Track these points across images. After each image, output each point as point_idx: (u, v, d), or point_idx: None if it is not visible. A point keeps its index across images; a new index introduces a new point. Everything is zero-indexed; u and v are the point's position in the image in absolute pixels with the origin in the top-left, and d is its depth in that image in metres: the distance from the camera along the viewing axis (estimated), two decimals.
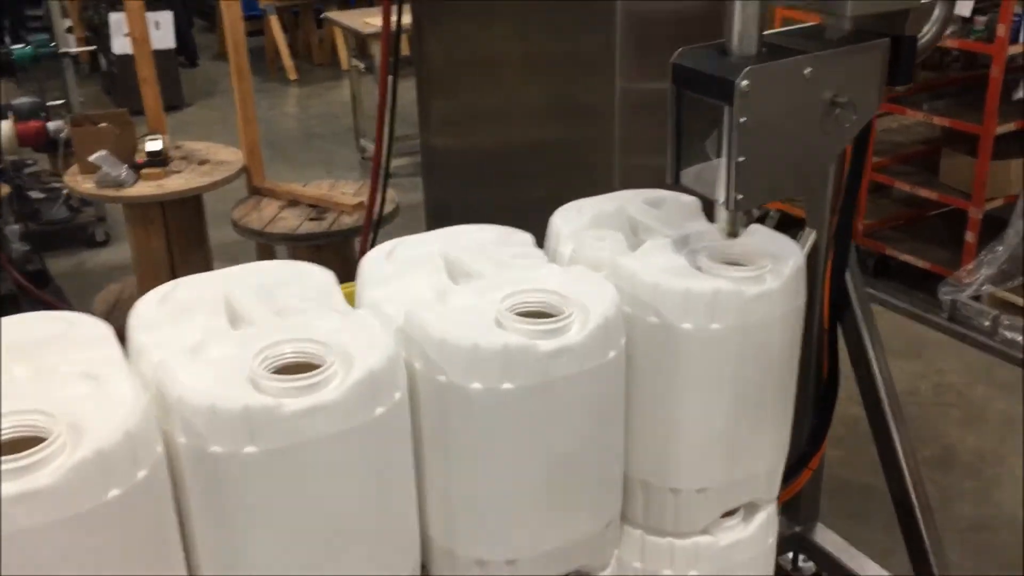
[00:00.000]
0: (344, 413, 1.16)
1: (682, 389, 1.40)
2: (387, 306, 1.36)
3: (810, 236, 2.49)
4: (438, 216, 3.51)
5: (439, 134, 3.37)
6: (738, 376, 1.40)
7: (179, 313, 1.33)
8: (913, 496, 2.32)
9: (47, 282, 4.93)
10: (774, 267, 1.41)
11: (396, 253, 1.48)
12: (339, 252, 4.46)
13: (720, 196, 1.35)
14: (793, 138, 1.34)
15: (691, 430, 1.43)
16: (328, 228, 4.26)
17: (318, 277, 1.43)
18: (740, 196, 1.33)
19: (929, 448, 3.62)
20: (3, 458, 1.01)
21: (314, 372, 1.16)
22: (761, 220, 5.38)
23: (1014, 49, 3.93)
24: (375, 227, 3.99)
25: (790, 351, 1.47)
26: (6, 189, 5.14)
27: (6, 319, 1.31)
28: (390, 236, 4.87)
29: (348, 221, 4.32)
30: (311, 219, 4.37)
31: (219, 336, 1.26)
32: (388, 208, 4.03)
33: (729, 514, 1.53)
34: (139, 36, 4.59)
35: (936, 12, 1.48)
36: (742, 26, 1.32)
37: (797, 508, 2.43)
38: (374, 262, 1.46)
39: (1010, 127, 4.04)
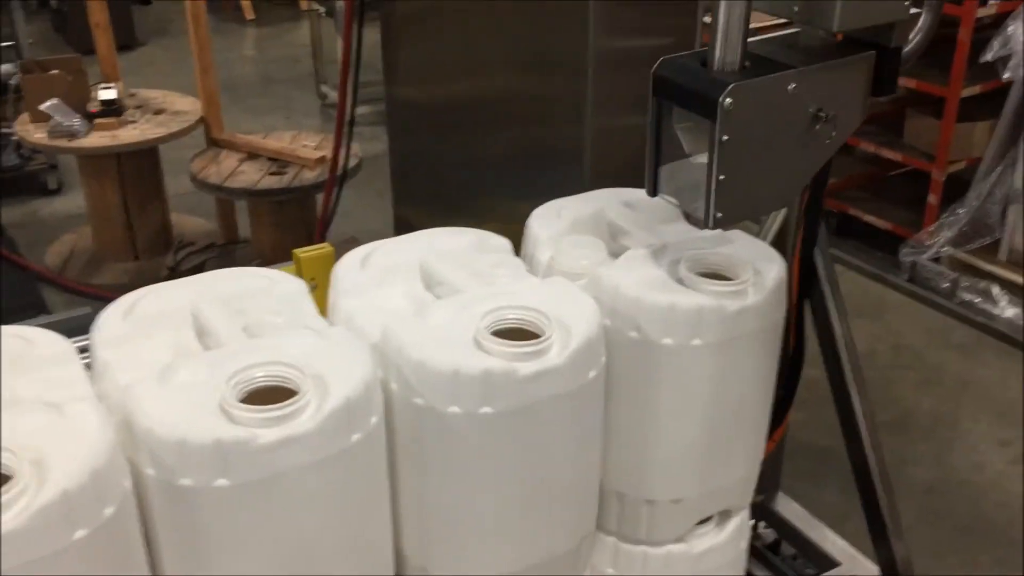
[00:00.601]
0: (319, 442, 1.13)
1: (660, 403, 1.39)
2: (362, 318, 1.33)
3: (780, 213, 2.49)
4: (403, 169, 3.44)
5: (404, 85, 3.29)
6: (717, 390, 1.39)
7: (145, 328, 1.28)
8: (872, 462, 2.36)
9: None
10: (756, 280, 1.39)
11: (371, 260, 1.43)
12: (301, 207, 4.38)
13: (699, 212, 1.32)
14: (774, 154, 1.31)
15: (667, 443, 1.42)
16: (289, 183, 4.18)
17: (288, 286, 1.39)
18: (720, 214, 1.29)
19: (887, 411, 3.68)
20: None
21: (288, 402, 1.12)
22: None
23: (983, 12, 3.91)
24: (339, 183, 3.92)
25: (770, 362, 1.46)
26: None
27: None
28: (353, 191, 4.78)
29: (310, 176, 4.24)
30: (272, 173, 4.27)
31: (187, 357, 1.21)
32: (351, 163, 3.95)
33: (703, 521, 1.53)
34: None
35: (921, 20, 1.46)
36: (726, 36, 1.27)
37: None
38: (349, 269, 1.42)
39: (976, 90, 4.04)
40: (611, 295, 1.37)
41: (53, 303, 4.35)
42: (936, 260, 4.16)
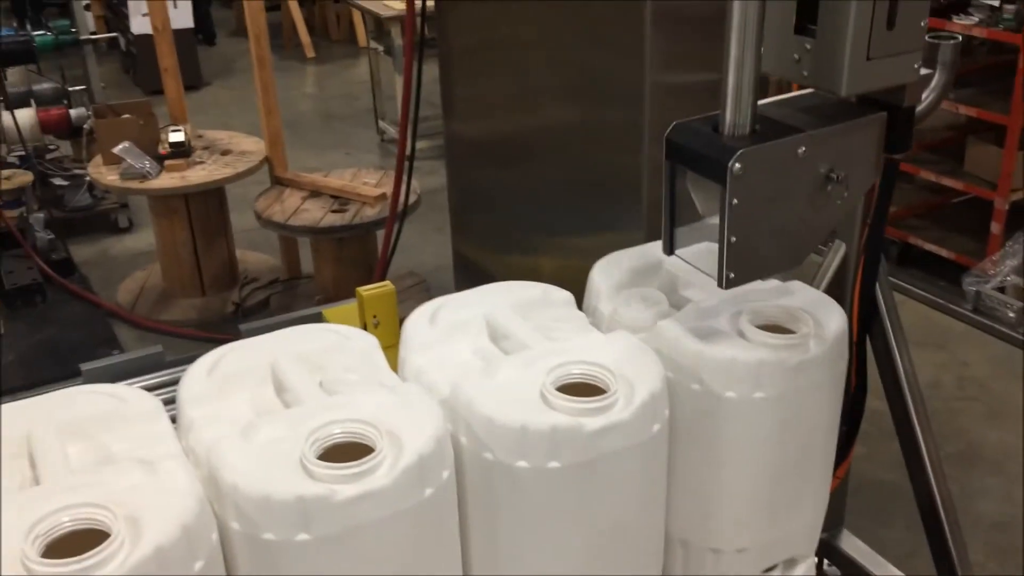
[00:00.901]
0: (394, 497, 1.18)
1: (724, 454, 1.41)
2: (432, 374, 1.37)
3: (840, 249, 2.49)
4: (462, 205, 3.51)
5: (463, 120, 3.35)
6: (781, 441, 1.41)
7: (227, 385, 1.35)
8: (937, 497, 2.34)
9: (72, 271, 4.97)
10: (817, 332, 1.41)
11: (439, 316, 1.48)
12: (362, 244, 4.48)
13: (712, 273, 1.34)
14: (786, 215, 1.34)
15: (732, 493, 1.44)
16: (350, 221, 4.28)
17: (361, 343, 1.44)
18: (732, 275, 1.31)
19: (952, 444, 3.62)
20: (66, 560, 1.03)
21: (366, 459, 1.17)
22: None
23: None
24: (400, 219, 4.00)
25: (833, 411, 1.48)
26: (29, 177, 5.15)
27: (59, 394, 1.33)
28: (412, 226, 4.87)
29: (370, 213, 4.33)
30: (333, 211, 4.38)
31: (268, 414, 1.27)
32: (411, 199, 4.04)
33: (769, 569, 1.54)
34: (160, 24, 4.58)
35: (935, 79, 1.47)
36: (736, 101, 1.29)
37: None
38: (417, 325, 1.47)
39: None
40: (672, 348, 1.40)
41: (124, 339, 4.50)
42: (1001, 289, 4.10)
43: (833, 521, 2.58)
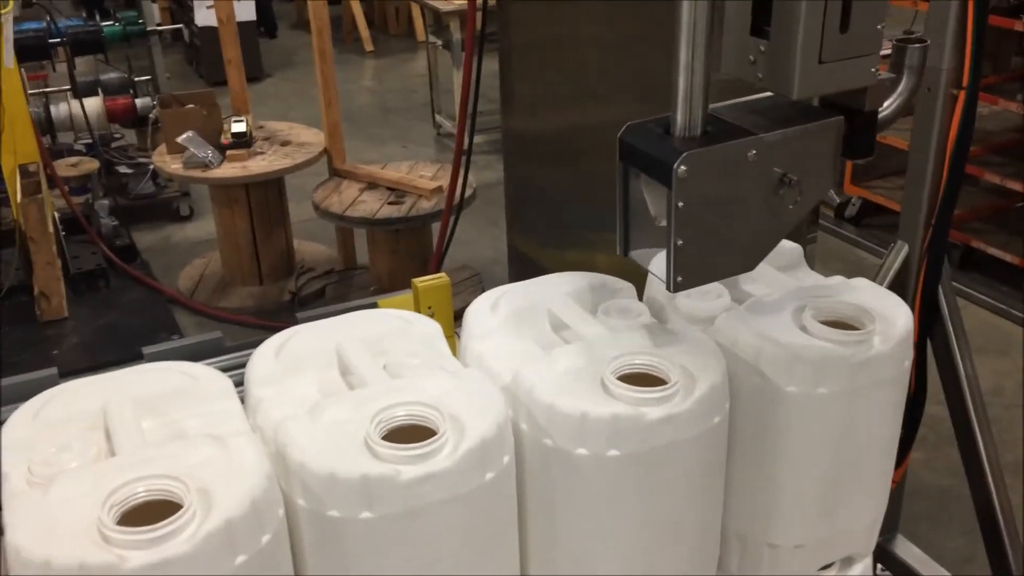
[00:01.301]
0: (456, 479, 1.19)
1: (784, 449, 1.41)
2: (493, 361, 1.39)
3: (902, 250, 2.46)
4: (518, 199, 3.52)
5: (521, 115, 3.36)
6: (842, 438, 1.40)
7: (294, 367, 1.38)
8: (996, 505, 2.30)
9: (135, 257, 5.09)
10: (882, 329, 1.39)
11: (501, 304, 1.50)
12: (417, 237, 4.51)
13: (661, 276, 1.32)
14: (737, 219, 1.31)
15: (791, 489, 1.43)
16: (407, 213, 4.32)
17: (424, 328, 1.47)
18: (680, 279, 1.29)
19: (1012, 452, 3.55)
20: (141, 528, 1.06)
21: (429, 441, 1.19)
22: (843, 207, 5.27)
23: None
24: (456, 212, 4.02)
25: (895, 410, 1.47)
26: (96, 164, 5.28)
27: (133, 370, 1.37)
28: (467, 220, 4.89)
29: (426, 206, 4.36)
30: (390, 203, 4.42)
31: (333, 395, 1.30)
32: (467, 193, 4.06)
33: (826, 567, 1.54)
34: (225, 17, 4.66)
35: (903, 84, 1.43)
36: (685, 102, 1.27)
37: None
38: (479, 313, 1.49)
39: None
40: (734, 341, 1.40)
41: (184, 325, 4.59)
42: None
43: (888, 526, 2.55)
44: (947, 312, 2.36)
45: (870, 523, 1.54)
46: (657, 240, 1.32)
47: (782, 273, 1.57)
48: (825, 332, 1.38)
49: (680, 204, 1.24)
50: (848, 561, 1.55)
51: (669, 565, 1.37)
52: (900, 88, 1.43)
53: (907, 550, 2.63)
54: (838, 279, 1.51)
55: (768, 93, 1.37)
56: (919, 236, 2.37)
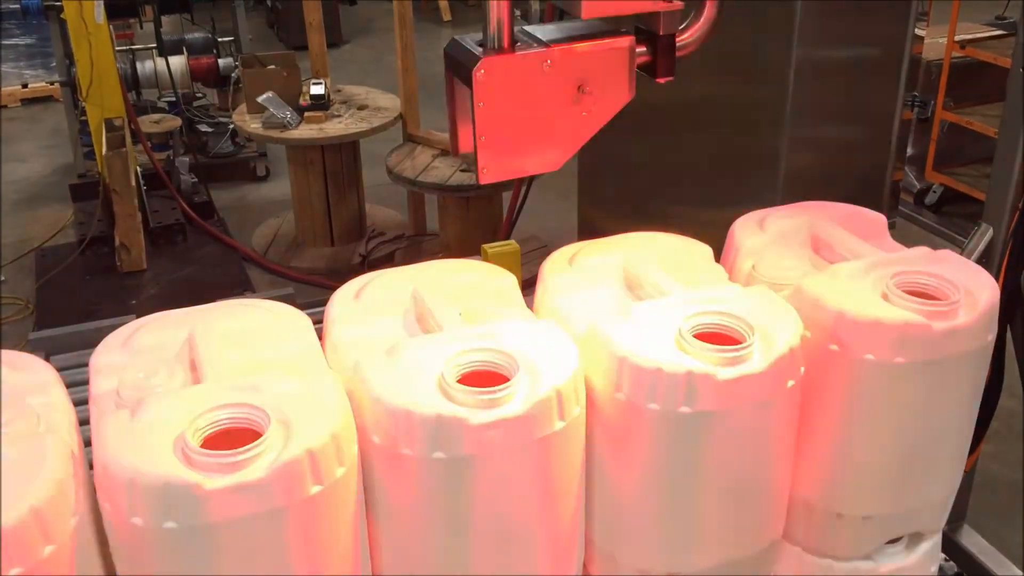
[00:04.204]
0: (527, 426, 1.21)
1: (858, 418, 1.39)
2: (568, 313, 1.40)
3: (986, 233, 2.39)
4: (592, 171, 3.50)
5: None
6: (918, 410, 1.38)
7: (372, 309, 1.40)
8: None
9: (212, 214, 5.21)
10: (967, 301, 1.36)
11: (577, 259, 1.50)
12: (488, 204, 4.54)
13: (472, 167, 1.54)
14: (538, 121, 1.51)
15: (863, 459, 1.41)
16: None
17: (500, 281, 1.48)
18: (485, 170, 1.50)
19: None
20: (223, 452, 1.10)
21: (503, 386, 1.20)
22: (923, 194, 5.14)
23: None
24: (527, 182, 4.03)
25: (975, 387, 1.43)
26: (177, 122, 5.40)
27: (220, 304, 1.41)
28: (537, 192, 4.88)
29: None
30: (462, 170, 4.45)
31: (410, 338, 1.32)
32: None
33: (893, 541, 1.51)
34: None
35: (706, 12, 1.58)
36: (493, 19, 1.45)
37: None
38: (556, 266, 1.50)
39: None
40: (812, 306, 1.38)
41: (257, 282, 4.70)
42: None
43: (955, 515, 2.50)
44: None
45: (941, 501, 1.51)
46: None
47: (865, 242, 1.54)
48: (907, 301, 1.35)
49: (481, 104, 1.45)
50: (917, 537, 1.53)
51: (734, 526, 1.37)
52: (704, 15, 1.59)
53: (974, 541, 2.58)
54: (923, 249, 1.48)
55: (570, 19, 1.55)
56: (1005, 219, 2.30)
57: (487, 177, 1.52)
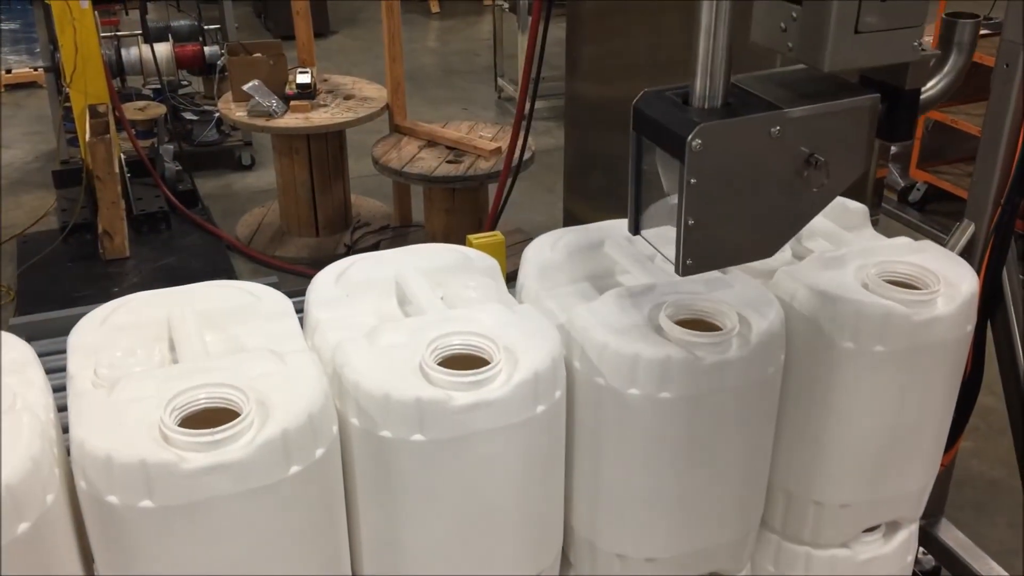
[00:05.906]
0: (507, 409, 1.21)
1: (837, 405, 1.40)
2: (548, 300, 1.40)
3: (968, 229, 2.41)
4: (577, 165, 3.50)
5: (586, 81, 3.33)
6: (896, 399, 1.39)
7: (354, 292, 1.40)
8: None
9: (196, 202, 5.17)
10: (946, 291, 1.37)
11: (560, 244, 1.50)
12: (474, 196, 4.53)
13: (671, 257, 1.22)
14: (756, 200, 1.21)
15: (842, 447, 1.42)
16: (464, 172, 4.33)
17: (482, 263, 1.47)
18: (689, 261, 1.19)
19: None
20: (200, 431, 1.09)
21: (483, 369, 1.20)
22: (907, 192, 5.16)
23: None
24: (514, 174, 4.02)
25: (953, 377, 1.44)
26: (162, 109, 5.36)
27: (198, 286, 1.40)
28: (523, 185, 4.87)
29: (485, 166, 4.37)
30: (448, 161, 4.44)
31: (391, 321, 1.32)
32: (526, 156, 4.06)
33: (870, 529, 1.52)
34: None
35: (951, 62, 1.34)
36: (704, 70, 1.17)
37: None
38: (538, 252, 1.49)
39: None
40: (793, 296, 1.38)
41: (240, 271, 4.67)
42: None
43: (933, 509, 2.52)
44: (1010, 296, 2.31)
45: (919, 490, 1.53)
46: (670, 219, 1.22)
47: (847, 232, 1.55)
48: (887, 290, 1.36)
49: (693, 181, 1.15)
50: (894, 526, 1.54)
51: (713, 512, 1.37)
52: (948, 67, 1.35)
53: (951, 534, 2.59)
54: (904, 240, 1.49)
55: (801, 65, 1.26)
56: (987, 216, 2.32)
57: (691, 270, 1.21)
